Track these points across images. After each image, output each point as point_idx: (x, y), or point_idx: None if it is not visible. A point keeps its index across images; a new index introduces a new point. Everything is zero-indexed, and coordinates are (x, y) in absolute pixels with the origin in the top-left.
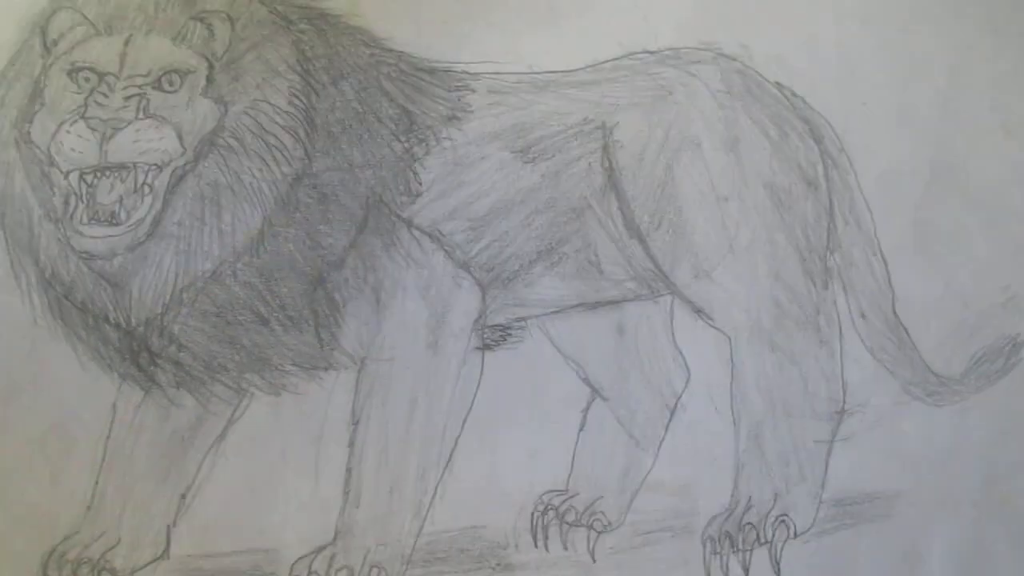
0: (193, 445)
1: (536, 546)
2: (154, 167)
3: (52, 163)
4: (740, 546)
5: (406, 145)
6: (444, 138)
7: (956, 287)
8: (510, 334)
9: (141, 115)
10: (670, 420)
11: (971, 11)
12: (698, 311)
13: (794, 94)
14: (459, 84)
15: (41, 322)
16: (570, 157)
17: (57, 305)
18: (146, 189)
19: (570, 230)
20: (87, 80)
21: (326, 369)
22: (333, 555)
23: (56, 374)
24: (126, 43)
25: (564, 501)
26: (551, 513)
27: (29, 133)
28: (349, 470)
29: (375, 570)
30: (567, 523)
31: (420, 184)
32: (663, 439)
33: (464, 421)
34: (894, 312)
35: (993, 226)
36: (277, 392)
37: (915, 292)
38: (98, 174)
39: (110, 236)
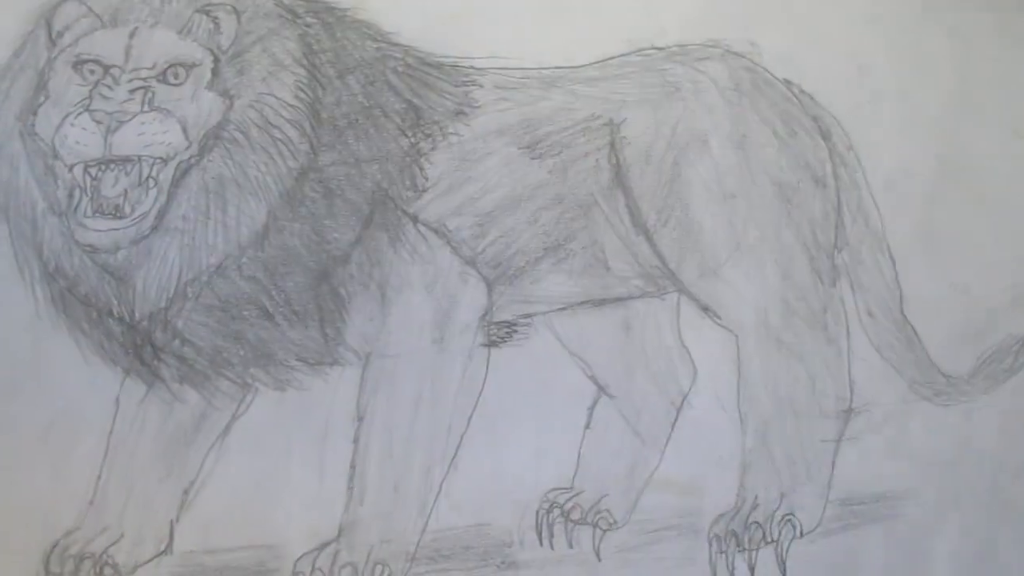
0: (196, 440)
1: (541, 544)
2: (159, 160)
3: (56, 156)
4: (746, 545)
5: (412, 140)
6: (451, 133)
7: (964, 286)
8: (516, 331)
9: (146, 108)
10: (676, 418)
11: (980, 10)
12: (705, 309)
13: (802, 91)
14: (466, 79)
15: (44, 316)
16: (577, 153)
17: (60, 299)
18: (151, 182)
19: (577, 227)
20: (92, 72)
21: (331, 365)
22: (337, 552)
23: (59, 368)
24: (131, 35)
25: (569, 499)
26: (556, 511)
27: (33, 125)
28: (353, 466)
29: (379, 567)
30: (572, 521)
31: (426, 179)
32: (669, 437)
33: (469, 418)
34: (902, 311)
35: (1001, 225)
36: (281, 387)
37: (923, 291)
38: (102, 167)
39: (114, 229)
